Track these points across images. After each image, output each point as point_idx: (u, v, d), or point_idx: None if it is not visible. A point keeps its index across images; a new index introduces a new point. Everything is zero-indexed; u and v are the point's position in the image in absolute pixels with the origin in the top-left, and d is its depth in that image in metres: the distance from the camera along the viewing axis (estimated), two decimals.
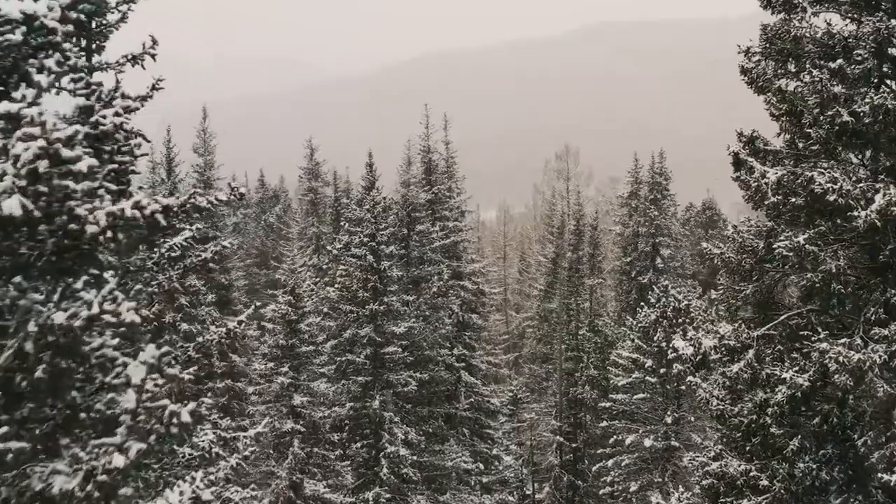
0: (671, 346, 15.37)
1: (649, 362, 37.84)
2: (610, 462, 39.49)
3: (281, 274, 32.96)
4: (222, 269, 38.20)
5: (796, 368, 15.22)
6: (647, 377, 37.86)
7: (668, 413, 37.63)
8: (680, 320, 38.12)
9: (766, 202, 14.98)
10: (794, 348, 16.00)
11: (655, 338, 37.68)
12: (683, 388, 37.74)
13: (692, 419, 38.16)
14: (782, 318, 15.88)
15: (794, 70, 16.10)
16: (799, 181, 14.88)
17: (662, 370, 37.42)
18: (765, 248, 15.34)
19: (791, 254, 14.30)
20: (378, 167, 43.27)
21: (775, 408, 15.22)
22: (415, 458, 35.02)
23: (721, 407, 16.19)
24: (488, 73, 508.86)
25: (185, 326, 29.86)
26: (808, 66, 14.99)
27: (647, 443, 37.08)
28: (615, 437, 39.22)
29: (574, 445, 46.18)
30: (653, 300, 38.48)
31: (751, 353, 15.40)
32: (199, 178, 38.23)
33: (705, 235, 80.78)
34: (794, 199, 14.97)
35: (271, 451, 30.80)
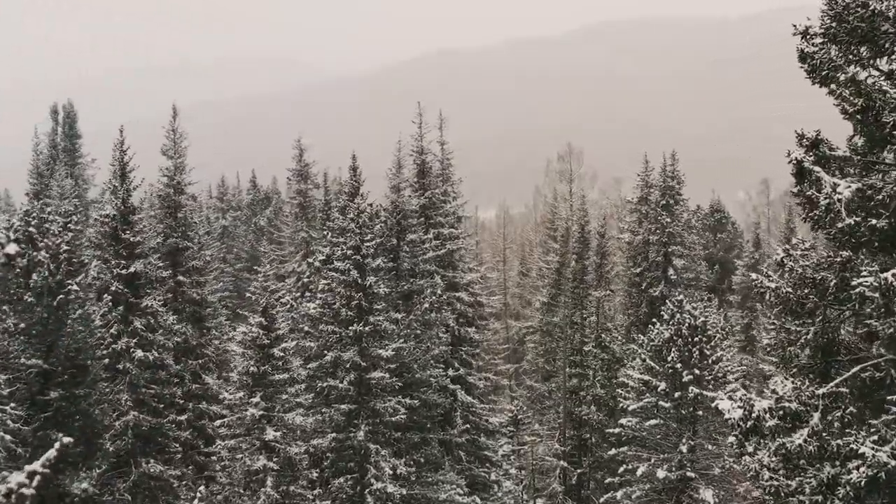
0: (714, 405, 11.93)
1: (662, 385, 34.47)
2: (619, 493, 36.13)
3: (252, 292, 29.64)
4: (194, 283, 34.78)
5: (874, 438, 11.84)
6: (661, 401, 34.45)
7: (684, 441, 34.24)
8: (696, 339, 34.98)
9: (838, 225, 11.53)
10: (868, 406, 12.64)
11: (669, 358, 34.34)
12: (700, 413, 34.49)
13: (709, 447, 34.79)
14: (854, 370, 12.47)
15: (867, 55, 12.71)
16: (881, 197, 11.49)
17: (677, 394, 34.05)
18: (837, 283, 11.92)
19: (876, 294, 10.90)
20: (376, 169, 40.00)
21: (847, 489, 11.83)
22: (405, 491, 31.68)
23: (775, 482, 12.77)
24: (488, 73, 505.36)
25: (139, 354, 26.52)
26: (894, 49, 11.57)
27: (661, 474, 33.70)
28: (625, 465, 35.86)
29: (579, 471, 42.79)
30: (666, 316, 35.13)
31: (815, 417, 12.03)
32: (168, 183, 34.76)
33: (714, 239, 77.53)
34: (874, 222, 11.55)
35: (241, 491, 27.40)
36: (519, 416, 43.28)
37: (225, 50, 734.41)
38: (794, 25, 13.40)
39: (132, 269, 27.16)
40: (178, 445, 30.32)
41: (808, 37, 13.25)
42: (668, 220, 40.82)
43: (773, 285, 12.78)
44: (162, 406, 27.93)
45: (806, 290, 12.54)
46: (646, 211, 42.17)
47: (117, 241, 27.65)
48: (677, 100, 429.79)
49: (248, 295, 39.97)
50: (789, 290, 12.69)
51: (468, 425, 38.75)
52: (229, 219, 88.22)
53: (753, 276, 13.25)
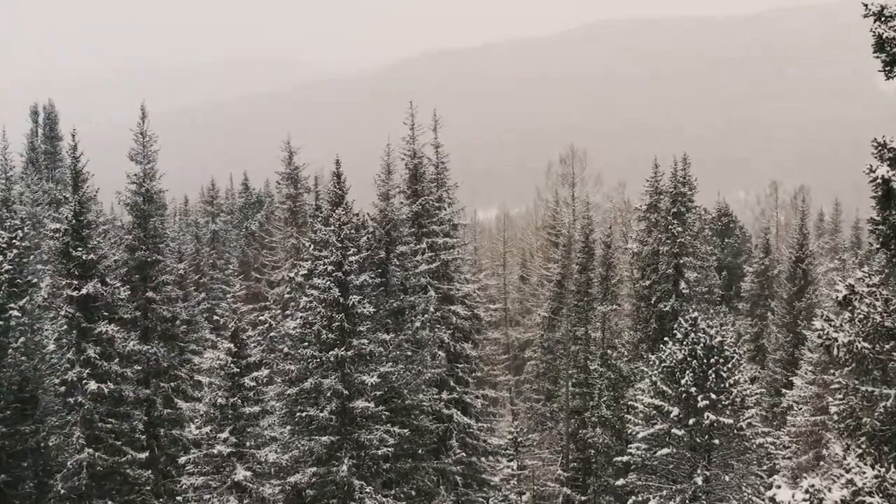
0: (768, 497, 9.08)
1: (675, 411, 31.60)
2: None
3: (220, 314, 26.75)
4: (166, 299, 31.89)
5: None
6: (673, 428, 31.58)
7: (698, 471, 31.43)
8: (712, 360, 32.09)
9: None
10: None
11: (683, 381, 31.48)
12: (717, 441, 31.67)
13: (726, 478, 31.97)
14: None
15: None
16: None
17: (691, 420, 31.21)
18: None
19: None
20: (371, 174, 37.18)
21: None
22: None
23: None
24: (488, 73, 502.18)
25: (93, 386, 23.65)
26: None
27: None
28: (634, 497, 33.05)
29: (583, 498, 39.96)
30: (679, 335, 32.28)
31: None
32: (137, 191, 31.83)
33: (721, 244, 74.55)
34: None
35: None
36: (519, 438, 40.44)
37: (225, 50, 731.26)
38: (866, 5, 10.53)
39: (84, 291, 24.32)
40: (143, 480, 27.48)
41: (883, 18, 10.38)
42: (680, 229, 37.87)
43: (844, 338, 9.91)
44: (120, 443, 25.05)
45: (887, 345, 9.68)
46: (655, 219, 39.19)
47: (68, 259, 24.80)
48: (677, 100, 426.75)
49: (215, 317, 37.07)
50: (865, 344, 9.81)
51: (462, 453, 35.90)
52: (220, 223, 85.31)
53: (818, 324, 10.40)
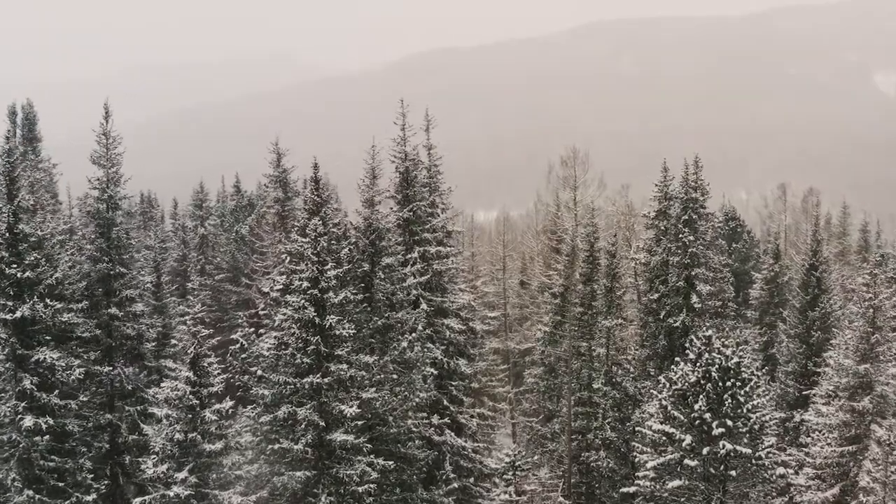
0: None
1: (687, 438, 28.83)
2: None
3: (178, 338, 23.98)
4: (130, 316, 29.08)
5: None
6: (686, 458, 28.80)
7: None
8: (728, 383, 29.30)
9: None
10: None
11: (696, 406, 28.71)
12: (733, 473, 28.91)
13: None
14: None
15: None
16: None
17: (705, 449, 28.45)
18: None
19: None
20: (363, 177, 34.42)
21: None
22: None
23: None
24: (488, 72, 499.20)
25: (28, 422, 20.82)
26: None
27: None
28: None
29: None
30: (692, 356, 29.52)
31: None
32: (99, 197, 29.03)
33: (728, 249, 71.61)
34: None
35: None
36: (517, 462, 37.58)
37: (225, 50, 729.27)
38: None
39: (20, 313, 21.56)
40: None
41: None
42: (692, 237, 34.94)
43: None
44: (64, 483, 22.26)
45: None
46: (664, 227, 36.24)
47: (1, 277, 22.03)
48: (678, 99, 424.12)
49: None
50: None
51: (455, 481, 33.09)
52: (209, 227, 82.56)
53: None
